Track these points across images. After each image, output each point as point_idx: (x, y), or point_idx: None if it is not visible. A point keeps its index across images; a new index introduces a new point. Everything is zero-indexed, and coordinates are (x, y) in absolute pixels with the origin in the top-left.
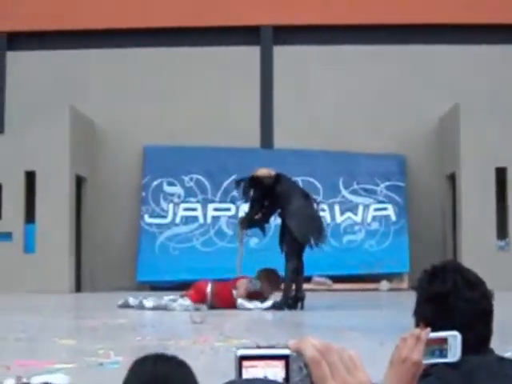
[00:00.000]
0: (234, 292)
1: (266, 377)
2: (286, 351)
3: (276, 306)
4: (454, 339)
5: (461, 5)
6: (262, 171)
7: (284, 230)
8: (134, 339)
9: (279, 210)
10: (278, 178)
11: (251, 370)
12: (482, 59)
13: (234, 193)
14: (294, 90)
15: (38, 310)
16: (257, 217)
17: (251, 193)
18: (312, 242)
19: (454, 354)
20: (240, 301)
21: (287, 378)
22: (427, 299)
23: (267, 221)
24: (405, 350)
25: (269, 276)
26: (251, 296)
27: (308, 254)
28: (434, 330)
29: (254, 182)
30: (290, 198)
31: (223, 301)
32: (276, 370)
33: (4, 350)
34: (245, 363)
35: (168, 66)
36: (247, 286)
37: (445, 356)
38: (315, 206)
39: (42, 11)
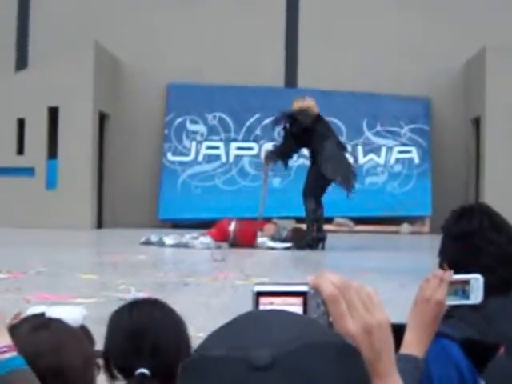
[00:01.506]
0: (259, 234)
1: None
2: (303, 288)
3: (297, 246)
4: (476, 282)
5: None
6: (309, 103)
7: (310, 171)
8: (154, 275)
9: (311, 151)
10: (319, 117)
11: (268, 307)
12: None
13: (258, 132)
14: (320, 29)
15: (60, 246)
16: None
17: (287, 125)
18: (340, 181)
19: (476, 296)
20: (261, 239)
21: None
22: (452, 238)
23: (291, 156)
24: (428, 290)
25: (298, 231)
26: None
27: (330, 196)
28: (458, 270)
29: (294, 118)
30: (326, 142)
31: (246, 240)
32: (293, 307)
33: (25, 284)
34: (262, 300)
35: (192, 1)
36: (274, 233)
37: (467, 298)
38: (348, 156)
39: None
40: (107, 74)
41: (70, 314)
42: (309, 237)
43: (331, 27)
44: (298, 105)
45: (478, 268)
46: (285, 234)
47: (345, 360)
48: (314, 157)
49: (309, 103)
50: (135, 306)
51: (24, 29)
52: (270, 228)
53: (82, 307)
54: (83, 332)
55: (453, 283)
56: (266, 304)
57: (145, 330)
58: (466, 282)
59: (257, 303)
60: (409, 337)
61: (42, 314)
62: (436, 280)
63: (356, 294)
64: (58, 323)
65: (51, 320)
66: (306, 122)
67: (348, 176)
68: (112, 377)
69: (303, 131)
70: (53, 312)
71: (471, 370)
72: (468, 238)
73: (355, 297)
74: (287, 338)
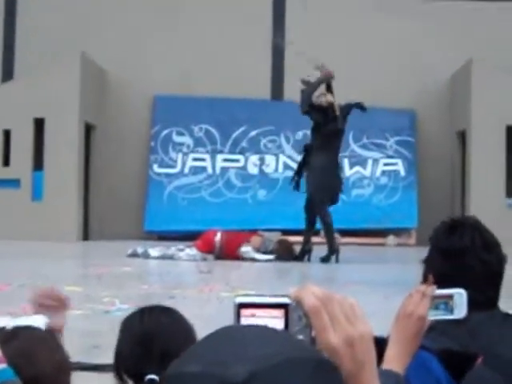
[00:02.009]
0: (245, 244)
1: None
2: (285, 300)
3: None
4: (459, 296)
5: None
6: (331, 101)
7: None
8: (139, 287)
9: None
10: (340, 127)
11: (250, 319)
12: (497, 15)
13: (244, 144)
14: (306, 41)
15: (45, 258)
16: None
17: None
18: (320, 201)
19: (460, 311)
20: (245, 248)
21: (287, 328)
22: (441, 252)
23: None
24: (410, 305)
25: (286, 245)
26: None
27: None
28: (444, 283)
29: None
30: (327, 150)
31: (232, 251)
32: (275, 320)
33: (10, 296)
34: (243, 311)
35: (181, 13)
36: (260, 245)
37: (451, 313)
38: (340, 177)
39: None
40: (94, 85)
41: (32, 323)
42: (335, 247)
43: (317, 39)
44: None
45: (465, 285)
46: (271, 246)
47: (322, 376)
48: (308, 154)
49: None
50: (146, 311)
51: (10, 40)
52: (256, 240)
53: (43, 316)
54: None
55: (436, 298)
56: (247, 316)
57: (154, 335)
58: (450, 297)
59: (238, 315)
60: (390, 352)
61: (3, 328)
62: (418, 295)
63: (338, 306)
64: (27, 331)
65: (19, 329)
66: (331, 126)
67: (329, 191)
68: (122, 381)
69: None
70: (15, 323)
71: (450, 381)
72: (459, 255)
73: (337, 309)
74: (264, 354)
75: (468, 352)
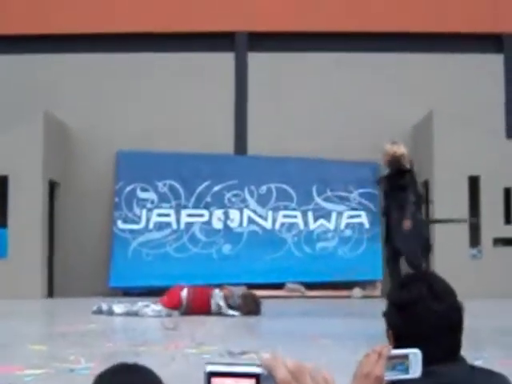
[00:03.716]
0: (219, 289)
1: None
2: (256, 369)
3: None
4: (414, 356)
5: (434, 13)
6: (402, 150)
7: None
8: (105, 345)
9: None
10: (412, 173)
11: None
12: (457, 68)
13: (208, 199)
14: (269, 96)
15: (10, 316)
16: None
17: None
18: (417, 256)
19: (415, 370)
20: (217, 292)
21: None
22: (394, 307)
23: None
24: (367, 365)
25: (251, 299)
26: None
27: (281, 261)
28: (402, 338)
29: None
30: (409, 208)
31: (199, 306)
32: None
33: None
34: (214, 381)
35: (142, 71)
36: (228, 297)
37: (406, 372)
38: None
39: (12, 14)
40: (57, 142)
41: None
42: None
43: (280, 95)
44: (392, 150)
45: (420, 338)
46: (237, 301)
47: None
48: (388, 210)
49: (402, 151)
50: (132, 369)
51: None
52: (225, 292)
53: None
54: None
55: (392, 358)
56: None
57: None
58: (405, 357)
59: None
60: None
61: None
62: (375, 355)
63: (311, 379)
64: None
65: None
66: (407, 181)
67: (419, 252)
68: None
69: (397, 173)
70: None
71: None
72: (408, 307)
73: (309, 381)
74: None
75: None
